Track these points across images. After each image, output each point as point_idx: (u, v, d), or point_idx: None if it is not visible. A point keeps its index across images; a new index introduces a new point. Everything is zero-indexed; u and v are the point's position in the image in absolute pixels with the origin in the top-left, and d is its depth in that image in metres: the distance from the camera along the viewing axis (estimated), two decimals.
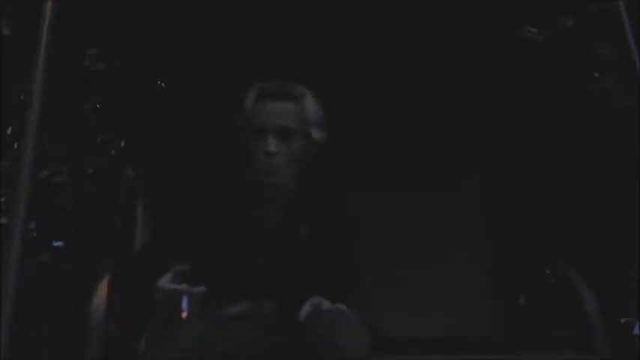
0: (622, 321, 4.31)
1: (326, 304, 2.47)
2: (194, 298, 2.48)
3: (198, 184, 2.85)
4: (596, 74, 4.45)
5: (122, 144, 4.04)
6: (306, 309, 2.47)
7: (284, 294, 2.64)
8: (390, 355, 2.67)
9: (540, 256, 3.52)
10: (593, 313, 2.94)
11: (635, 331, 4.25)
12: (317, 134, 2.79)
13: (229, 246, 2.69)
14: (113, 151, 4.36)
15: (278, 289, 2.66)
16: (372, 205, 3.34)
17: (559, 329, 3.49)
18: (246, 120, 2.74)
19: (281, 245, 2.70)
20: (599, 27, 4.20)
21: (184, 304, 2.47)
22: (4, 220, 4.22)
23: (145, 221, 3.37)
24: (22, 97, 4.36)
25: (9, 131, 4.55)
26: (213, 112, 3.42)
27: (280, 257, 2.68)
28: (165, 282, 2.51)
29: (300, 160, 2.77)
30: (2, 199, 4.50)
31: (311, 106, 2.78)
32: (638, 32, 2.78)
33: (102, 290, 2.84)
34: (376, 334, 2.50)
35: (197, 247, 2.68)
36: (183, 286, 2.48)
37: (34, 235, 4.47)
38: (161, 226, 2.87)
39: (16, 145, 4.46)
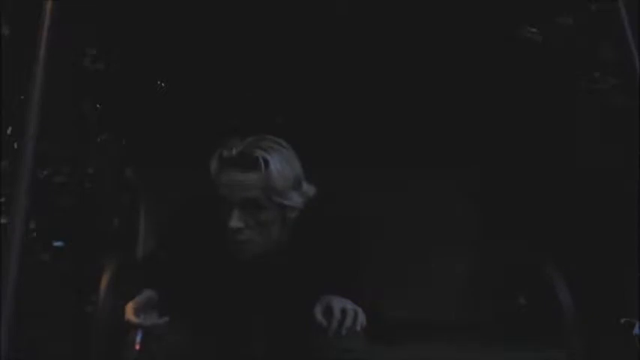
0: (622, 321, 4.31)
1: (336, 302, 2.41)
2: (157, 329, 2.46)
3: (197, 189, 2.83)
4: (596, 74, 4.44)
5: (122, 144, 4.04)
6: (318, 309, 2.41)
7: (285, 301, 2.63)
8: (391, 352, 2.68)
9: (540, 255, 3.52)
10: (567, 310, 2.96)
11: (635, 331, 4.25)
12: (292, 200, 2.56)
13: (230, 251, 2.67)
14: (113, 151, 4.35)
15: (280, 297, 2.64)
16: (371, 204, 3.34)
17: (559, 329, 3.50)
18: (212, 189, 2.58)
19: (283, 250, 2.67)
20: (599, 27, 4.19)
21: (138, 337, 2.43)
22: (4, 220, 4.22)
23: (146, 222, 3.37)
24: (22, 97, 4.35)
25: (9, 131, 4.54)
26: (213, 111, 3.42)
27: (282, 262, 2.66)
28: (130, 311, 2.47)
29: (283, 221, 2.60)
30: (2, 199, 4.49)
31: (277, 172, 2.51)
32: (639, 32, 2.78)
33: (103, 290, 2.85)
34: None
35: (198, 254, 2.67)
36: (143, 318, 2.46)
37: (34, 235, 4.46)
38: (163, 233, 2.85)
39: (16, 145, 4.46)
